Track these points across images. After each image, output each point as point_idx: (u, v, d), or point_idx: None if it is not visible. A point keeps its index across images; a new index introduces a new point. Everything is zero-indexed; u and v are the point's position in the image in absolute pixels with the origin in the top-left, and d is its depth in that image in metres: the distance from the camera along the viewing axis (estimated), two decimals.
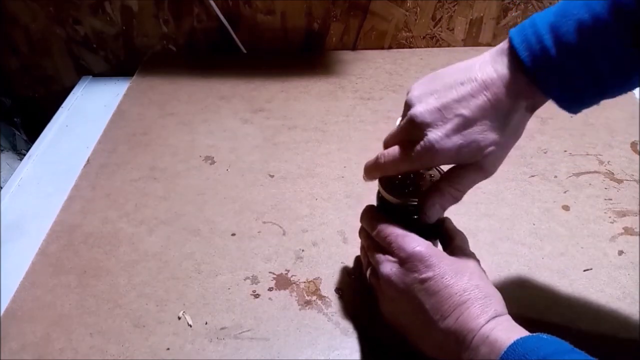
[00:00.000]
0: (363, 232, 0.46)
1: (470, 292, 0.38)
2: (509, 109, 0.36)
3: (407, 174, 0.44)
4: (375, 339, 0.45)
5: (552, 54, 0.34)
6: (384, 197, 0.44)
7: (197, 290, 0.50)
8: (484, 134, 0.37)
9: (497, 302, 0.38)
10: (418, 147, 0.38)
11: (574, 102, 0.36)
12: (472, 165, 0.38)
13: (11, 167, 0.83)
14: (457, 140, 0.37)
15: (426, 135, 0.37)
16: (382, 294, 0.43)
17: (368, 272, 0.45)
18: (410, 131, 0.39)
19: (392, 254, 0.41)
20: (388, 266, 0.41)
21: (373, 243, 0.44)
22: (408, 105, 0.40)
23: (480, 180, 0.39)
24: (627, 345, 0.44)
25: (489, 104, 0.36)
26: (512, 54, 0.36)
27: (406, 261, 0.40)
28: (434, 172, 0.45)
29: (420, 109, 0.38)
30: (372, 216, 0.45)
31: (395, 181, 0.44)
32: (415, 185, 0.44)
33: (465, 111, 0.36)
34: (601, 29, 0.32)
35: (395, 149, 0.40)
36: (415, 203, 0.42)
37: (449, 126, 0.37)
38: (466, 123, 0.36)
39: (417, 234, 0.41)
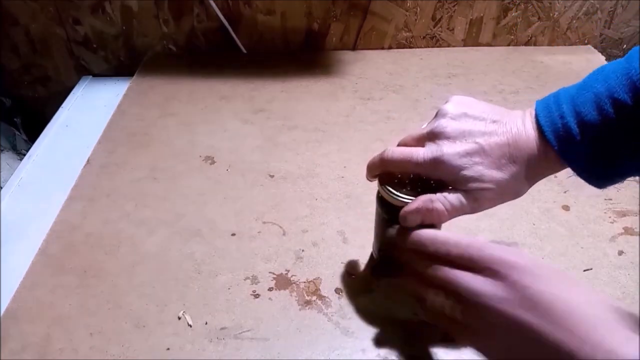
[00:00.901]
0: (414, 256, 0.39)
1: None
2: (523, 165, 0.39)
3: (407, 176, 0.44)
4: (376, 339, 0.45)
5: (575, 135, 0.37)
6: (385, 197, 0.44)
7: (197, 290, 0.50)
8: (490, 170, 0.38)
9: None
10: (428, 152, 0.39)
11: (599, 180, 0.39)
12: (466, 192, 0.39)
13: (11, 167, 0.83)
14: (464, 161, 0.38)
15: (441, 145, 0.39)
16: (478, 327, 0.33)
17: (434, 303, 0.36)
18: (430, 137, 0.40)
19: (479, 270, 0.34)
20: (486, 285, 0.32)
21: (438, 262, 0.36)
22: (439, 115, 0.41)
23: (466, 212, 0.40)
24: None
25: (507, 149, 0.38)
26: (539, 129, 0.38)
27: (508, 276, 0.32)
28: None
29: (448, 123, 0.40)
30: (431, 232, 0.39)
31: (394, 180, 0.44)
32: (414, 188, 0.43)
33: (484, 143, 0.38)
34: (620, 109, 0.35)
35: (406, 147, 0.42)
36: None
37: (464, 147, 0.39)
38: (479, 152, 0.38)
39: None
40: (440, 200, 0.39)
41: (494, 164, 0.38)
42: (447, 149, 0.39)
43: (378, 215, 0.47)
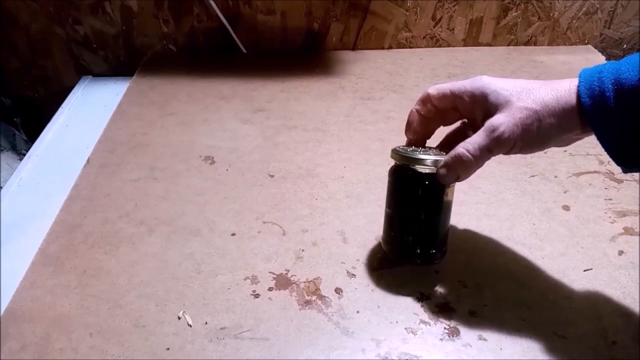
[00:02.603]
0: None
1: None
2: (555, 119, 0.39)
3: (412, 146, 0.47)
4: (376, 339, 0.45)
5: (609, 100, 0.37)
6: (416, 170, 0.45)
7: (197, 290, 0.50)
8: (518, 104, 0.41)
9: None
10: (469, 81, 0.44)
11: (625, 159, 0.39)
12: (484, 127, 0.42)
13: (11, 167, 0.83)
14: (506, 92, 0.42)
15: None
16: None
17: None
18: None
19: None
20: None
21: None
22: None
23: (491, 150, 0.41)
24: (627, 346, 0.44)
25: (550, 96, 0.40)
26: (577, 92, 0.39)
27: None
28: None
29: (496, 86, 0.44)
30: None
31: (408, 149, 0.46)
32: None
33: (525, 84, 0.42)
34: None
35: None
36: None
37: (508, 83, 0.43)
38: (523, 88, 0.41)
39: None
40: (462, 146, 0.42)
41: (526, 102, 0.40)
42: (487, 79, 0.43)
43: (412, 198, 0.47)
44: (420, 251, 0.48)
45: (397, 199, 0.48)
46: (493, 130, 0.40)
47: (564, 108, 0.39)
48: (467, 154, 0.41)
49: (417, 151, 0.46)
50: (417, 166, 0.45)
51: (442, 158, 0.44)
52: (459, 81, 0.44)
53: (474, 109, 0.44)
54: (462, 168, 0.42)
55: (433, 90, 0.46)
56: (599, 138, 0.38)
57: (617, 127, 0.37)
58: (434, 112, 0.47)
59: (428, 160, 0.44)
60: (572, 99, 0.38)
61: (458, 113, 0.46)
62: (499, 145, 0.41)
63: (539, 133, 0.40)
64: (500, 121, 0.40)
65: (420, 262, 0.49)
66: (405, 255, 0.49)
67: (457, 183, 0.46)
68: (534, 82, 0.42)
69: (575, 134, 0.40)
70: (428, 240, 0.48)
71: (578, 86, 0.38)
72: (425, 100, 0.47)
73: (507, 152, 0.42)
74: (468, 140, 0.42)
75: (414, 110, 0.47)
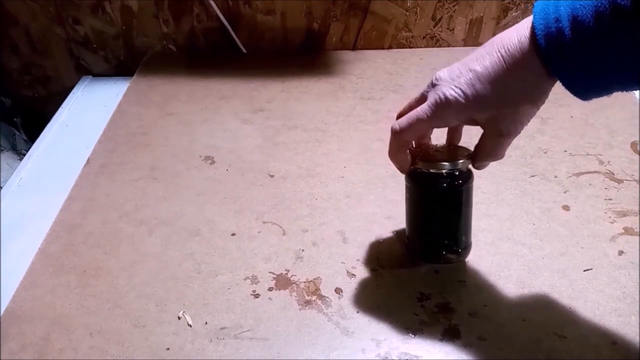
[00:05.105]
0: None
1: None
2: (523, 73, 0.37)
3: (416, 150, 0.47)
4: (375, 339, 0.45)
5: (567, 38, 0.34)
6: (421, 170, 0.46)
7: (197, 290, 0.50)
8: (494, 90, 0.38)
9: None
10: (432, 100, 0.40)
11: (582, 90, 0.36)
12: (489, 127, 0.40)
13: (11, 167, 0.83)
14: (467, 91, 0.39)
15: (440, 87, 0.40)
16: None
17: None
18: (429, 89, 0.42)
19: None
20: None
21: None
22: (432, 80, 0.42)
23: (502, 141, 0.41)
24: (627, 346, 0.44)
25: (502, 62, 0.37)
26: (533, 29, 0.37)
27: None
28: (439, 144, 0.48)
29: (442, 72, 0.41)
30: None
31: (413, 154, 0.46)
32: (429, 153, 0.47)
33: (478, 67, 0.38)
34: (619, 16, 0.32)
35: (408, 114, 0.42)
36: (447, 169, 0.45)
37: (462, 80, 0.39)
38: (478, 77, 0.38)
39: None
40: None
41: (496, 84, 0.38)
42: (446, 89, 0.39)
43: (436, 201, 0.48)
44: (447, 251, 0.49)
45: (421, 203, 0.48)
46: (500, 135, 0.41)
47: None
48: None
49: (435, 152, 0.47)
50: (437, 170, 0.45)
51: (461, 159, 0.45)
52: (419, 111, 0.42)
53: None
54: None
55: (409, 137, 0.44)
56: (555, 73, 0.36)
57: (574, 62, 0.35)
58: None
59: (447, 163, 0.45)
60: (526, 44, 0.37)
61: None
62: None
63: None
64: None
65: (448, 261, 0.50)
66: (432, 255, 0.50)
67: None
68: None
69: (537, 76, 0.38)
70: (456, 239, 0.49)
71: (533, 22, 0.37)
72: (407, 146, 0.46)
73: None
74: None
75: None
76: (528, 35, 0.37)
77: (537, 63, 0.36)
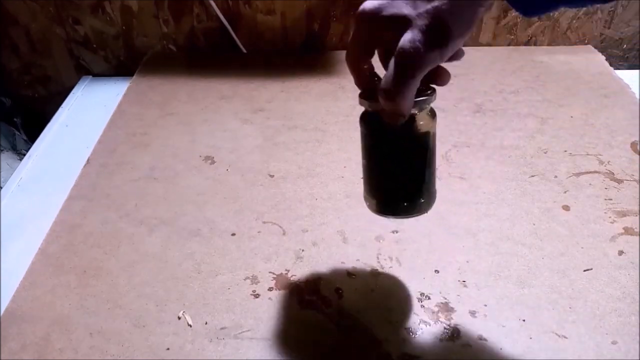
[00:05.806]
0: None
1: None
2: None
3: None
4: (375, 339, 0.45)
5: None
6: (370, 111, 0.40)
7: (197, 290, 0.50)
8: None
9: None
10: (355, 19, 0.38)
11: (526, 3, 0.35)
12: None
13: (11, 167, 0.83)
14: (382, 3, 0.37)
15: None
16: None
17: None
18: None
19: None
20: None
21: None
22: None
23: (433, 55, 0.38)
24: (627, 346, 0.44)
25: None
26: None
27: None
28: None
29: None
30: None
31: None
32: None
33: None
34: None
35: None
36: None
37: None
38: None
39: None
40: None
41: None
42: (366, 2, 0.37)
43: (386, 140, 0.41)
44: (407, 202, 0.43)
45: (373, 148, 0.42)
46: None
47: None
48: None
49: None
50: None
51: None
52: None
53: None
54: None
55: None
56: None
57: None
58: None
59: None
60: None
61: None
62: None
63: None
64: None
65: (407, 214, 0.44)
66: (389, 206, 0.44)
67: (439, 140, 0.42)
68: None
69: None
70: (413, 188, 0.43)
71: None
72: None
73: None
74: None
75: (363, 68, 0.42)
76: None
77: None
